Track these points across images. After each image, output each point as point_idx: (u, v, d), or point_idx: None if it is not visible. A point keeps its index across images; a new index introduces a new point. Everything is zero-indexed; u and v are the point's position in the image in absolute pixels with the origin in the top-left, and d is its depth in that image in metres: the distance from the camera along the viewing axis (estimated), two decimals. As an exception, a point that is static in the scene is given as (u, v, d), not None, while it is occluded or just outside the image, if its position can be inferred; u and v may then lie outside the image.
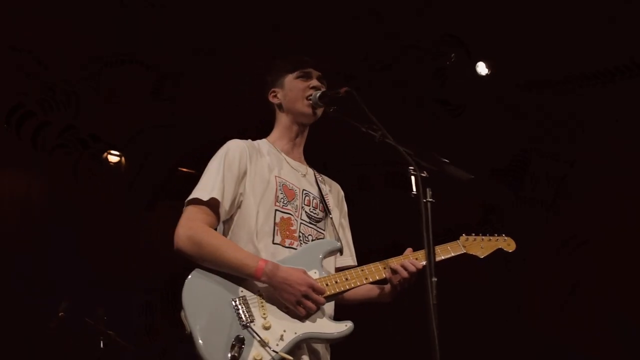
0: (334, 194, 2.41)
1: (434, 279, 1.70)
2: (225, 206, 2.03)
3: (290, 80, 2.30)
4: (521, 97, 5.85)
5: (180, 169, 6.09)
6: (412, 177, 1.81)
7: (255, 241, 2.03)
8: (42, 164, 5.96)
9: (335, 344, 2.12)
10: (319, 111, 2.26)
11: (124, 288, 5.23)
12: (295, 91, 2.27)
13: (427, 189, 1.78)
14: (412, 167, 1.82)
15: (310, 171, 2.35)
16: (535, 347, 5.95)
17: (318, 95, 2.22)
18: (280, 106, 2.33)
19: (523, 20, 5.01)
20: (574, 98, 5.67)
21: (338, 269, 2.24)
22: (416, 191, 1.79)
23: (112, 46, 5.42)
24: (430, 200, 1.76)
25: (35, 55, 5.40)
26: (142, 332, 5.22)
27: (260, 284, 1.96)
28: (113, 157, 6.25)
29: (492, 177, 6.63)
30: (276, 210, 2.10)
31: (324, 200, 2.27)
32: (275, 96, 2.35)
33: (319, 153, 2.78)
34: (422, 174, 1.81)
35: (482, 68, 5.63)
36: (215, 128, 6.33)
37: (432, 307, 1.69)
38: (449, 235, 2.37)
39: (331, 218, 2.26)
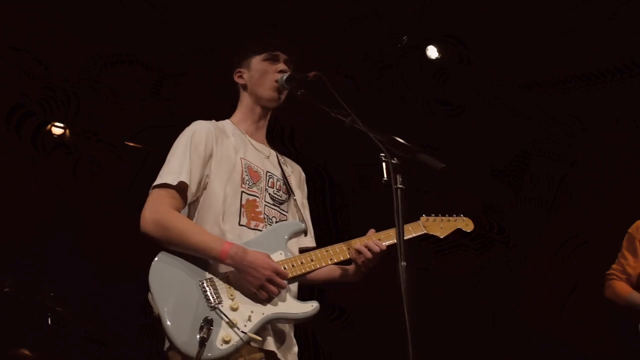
0: (296, 175, 2.41)
1: (403, 263, 1.68)
2: (192, 189, 2.03)
3: (257, 62, 2.31)
4: (521, 97, 5.85)
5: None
6: (384, 164, 1.80)
7: (221, 223, 2.03)
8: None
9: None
10: (283, 95, 2.25)
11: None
12: (261, 73, 2.27)
13: (398, 176, 1.76)
14: (383, 154, 1.82)
15: (273, 153, 2.35)
16: (535, 347, 5.95)
17: (285, 77, 2.21)
18: (245, 87, 2.33)
19: (523, 20, 5.01)
20: (574, 98, 5.67)
21: (301, 250, 2.24)
22: (387, 178, 1.78)
23: (112, 46, 5.42)
24: (400, 186, 1.75)
25: (35, 55, 5.40)
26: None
27: (226, 267, 1.97)
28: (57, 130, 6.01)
29: (492, 177, 6.64)
30: (242, 192, 2.10)
31: (287, 182, 2.27)
32: (240, 76, 2.36)
33: (319, 153, 2.79)
34: (393, 161, 1.78)
35: (432, 51, 5.60)
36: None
37: (404, 291, 1.65)
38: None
39: (294, 199, 2.27)
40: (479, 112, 6.04)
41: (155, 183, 2.04)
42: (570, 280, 5.94)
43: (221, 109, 2.51)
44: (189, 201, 2.06)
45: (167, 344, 1.91)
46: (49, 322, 3.99)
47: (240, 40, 5.23)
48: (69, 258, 5.41)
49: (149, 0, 4.94)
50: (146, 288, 1.91)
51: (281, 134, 2.59)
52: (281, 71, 2.25)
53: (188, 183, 2.01)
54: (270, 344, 1.97)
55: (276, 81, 2.23)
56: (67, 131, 6.20)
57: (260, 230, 2.09)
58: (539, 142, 6.24)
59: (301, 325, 2.17)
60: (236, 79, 2.37)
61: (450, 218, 2.44)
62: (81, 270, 5.37)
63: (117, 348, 4.86)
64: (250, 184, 2.14)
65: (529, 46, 5.27)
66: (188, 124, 2.31)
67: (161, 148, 2.33)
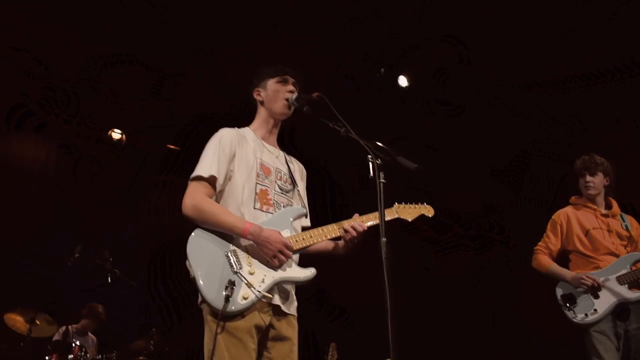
0: (299, 171, 2.97)
1: (384, 239, 2.18)
2: (220, 181, 2.58)
3: (272, 84, 2.86)
4: (521, 97, 5.86)
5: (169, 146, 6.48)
6: (370, 164, 2.33)
7: (241, 207, 2.59)
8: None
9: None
10: (292, 110, 2.82)
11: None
12: (274, 93, 2.83)
13: (380, 173, 2.29)
14: (370, 156, 2.36)
15: (282, 153, 2.92)
16: (535, 347, 5.95)
17: (295, 97, 2.77)
18: (262, 103, 2.88)
19: (523, 20, 5.01)
20: (574, 98, 5.67)
21: (302, 228, 2.80)
22: (373, 174, 2.31)
23: (112, 46, 5.43)
24: (382, 181, 2.29)
25: (35, 55, 5.41)
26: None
27: (246, 241, 2.52)
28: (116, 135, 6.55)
29: (492, 177, 6.64)
30: (257, 183, 2.67)
31: (292, 176, 2.86)
32: (258, 94, 2.89)
33: (320, 153, 2.83)
34: (378, 161, 2.33)
35: (402, 81, 5.79)
36: (215, 127, 6.36)
37: (384, 260, 2.13)
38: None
39: (297, 190, 2.86)
40: (479, 112, 6.04)
41: (192, 176, 2.58)
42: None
43: (221, 109, 2.61)
44: (217, 190, 2.59)
45: (199, 299, 2.43)
46: (109, 280, 5.00)
47: (240, 40, 5.26)
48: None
49: (149, 0, 4.94)
50: (184, 256, 2.41)
51: (281, 135, 2.92)
52: (290, 91, 2.81)
53: (217, 176, 2.56)
54: (277, 300, 2.51)
55: (287, 99, 2.78)
56: (124, 136, 6.52)
57: (271, 213, 2.66)
58: (539, 142, 6.24)
59: (301, 325, 2.64)
60: (255, 96, 2.89)
61: (417, 205, 2.97)
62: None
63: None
64: (263, 178, 2.70)
65: (529, 46, 5.27)
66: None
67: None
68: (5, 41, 5.19)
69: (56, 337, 5.13)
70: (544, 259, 4.00)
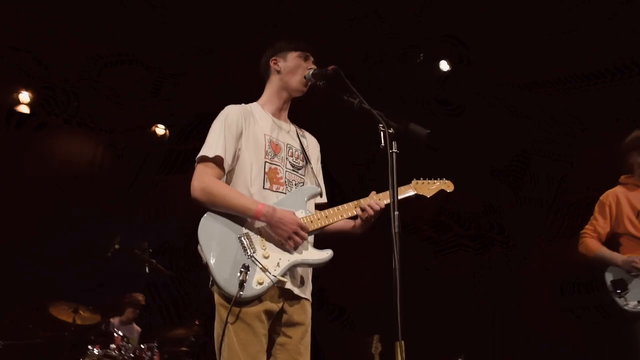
0: (312, 146, 2.84)
1: (397, 213, 2.07)
2: (227, 160, 2.47)
3: (293, 56, 2.74)
4: (521, 97, 5.86)
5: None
6: (382, 133, 2.22)
7: (249, 187, 2.48)
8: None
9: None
10: (307, 88, 2.72)
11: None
12: (295, 66, 2.72)
13: (393, 142, 2.19)
14: (381, 124, 2.24)
15: (293, 128, 2.78)
16: (535, 347, 5.95)
17: (311, 72, 2.66)
18: (278, 72, 2.74)
19: (523, 20, 5.01)
20: (574, 98, 5.67)
21: (317, 206, 2.70)
22: (384, 144, 2.20)
23: (112, 46, 5.43)
24: (395, 151, 2.18)
25: (35, 55, 5.40)
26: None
27: (259, 223, 2.41)
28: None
29: (492, 177, 6.64)
30: (265, 162, 2.55)
31: (305, 151, 2.73)
32: (275, 63, 2.75)
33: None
34: (390, 131, 2.22)
35: (444, 65, 5.72)
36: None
37: (395, 235, 2.03)
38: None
39: (311, 167, 2.73)
40: (479, 112, 6.04)
41: (198, 156, 2.47)
42: (570, 280, 5.95)
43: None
44: (226, 171, 2.49)
45: (210, 282, 2.35)
46: (147, 270, 5.07)
47: (240, 40, 5.26)
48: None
49: (149, 0, 4.94)
50: (196, 241, 2.32)
51: (291, 112, 2.87)
52: (310, 68, 2.71)
53: (223, 156, 2.44)
54: (289, 284, 2.40)
55: (304, 76, 2.68)
56: (167, 132, 6.60)
57: (283, 193, 2.55)
58: (539, 142, 6.24)
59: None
60: (272, 64, 2.76)
61: (436, 181, 2.85)
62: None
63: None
64: (272, 155, 2.58)
65: (529, 46, 5.27)
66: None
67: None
68: (5, 41, 5.19)
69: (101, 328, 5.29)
70: (592, 243, 3.70)
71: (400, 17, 5.15)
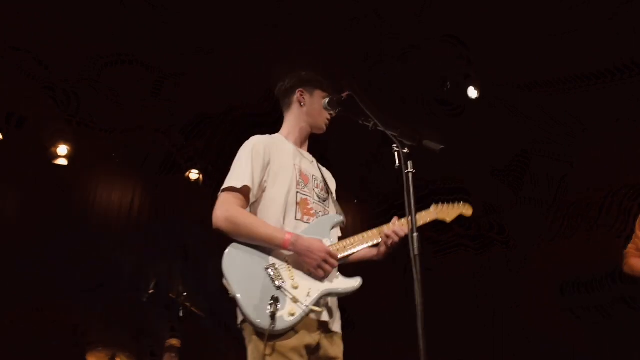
0: (330, 179, 2.85)
1: (415, 234, 2.02)
2: (254, 191, 2.43)
3: (320, 96, 2.73)
4: (521, 97, 5.85)
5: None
6: (396, 153, 2.19)
7: (281, 218, 2.42)
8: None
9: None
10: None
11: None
12: (320, 109, 2.71)
13: (408, 162, 2.15)
14: (395, 145, 2.20)
15: (314, 160, 2.79)
16: (535, 347, 5.95)
17: (327, 101, 2.64)
18: (301, 105, 2.73)
19: (523, 20, 5.01)
20: (574, 98, 5.67)
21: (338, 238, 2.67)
22: (399, 164, 2.16)
23: (112, 46, 5.42)
24: (411, 170, 2.14)
25: (35, 55, 5.40)
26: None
27: (286, 253, 2.35)
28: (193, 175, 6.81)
29: (492, 177, 6.64)
30: (297, 192, 2.52)
31: (326, 183, 2.72)
32: (302, 96, 2.73)
33: (321, 152, 2.83)
34: (404, 151, 2.18)
35: (472, 92, 5.76)
36: (214, 126, 6.36)
37: (414, 258, 1.98)
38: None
39: (332, 197, 2.72)
40: (479, 112, 6.04)
41: (224, 187, 2.43)
42: (570, 280, 5.95)
43: (221, 109, 2.59)
44: (251, 201, 2.45)
45: (240, 318, 2.29)
46: (180, 314, 4.98)
47: (240, 40, 5.26)
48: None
49: (149, 0, 4.94)
50: (221, 274, 2.26)
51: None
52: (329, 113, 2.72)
53: (250, 186, 2.41)
54: (325, 316, 2.37)
55: (324, 109, 2.67)
56: (201, 177, 6.68)
57: (309, 224, 2.50)
58: (539, 142, 6.24)
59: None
60: (298, 95, 2.74)
61: (454, 205, 2.93)
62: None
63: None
64: (303, 186, 2.57)
65: (529, 46, 5.26)
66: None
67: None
68: (5, 41, 5.18)
69: None
70: (636, 263, 3.60)
71: (400, 17, 5.14)
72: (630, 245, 3.73)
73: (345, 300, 2.50)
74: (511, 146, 6.37)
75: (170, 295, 4.98)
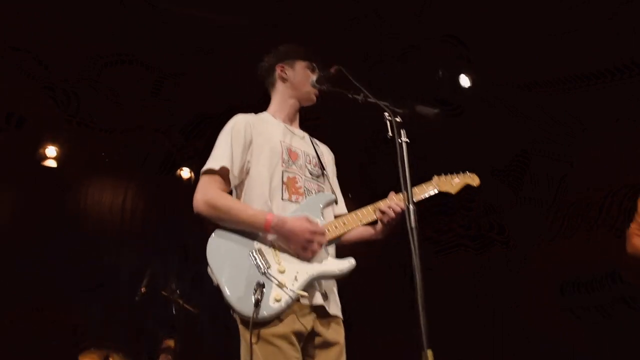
0: (326, 154, 2.73)
1: (412, 206, 1.93)
2: (234, 172, 2.31)
3: (301, 67, 2.64)
4: (521, 97, 5.85)
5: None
6: (387, 122, 2.09)
7: (267, 200, 2.31)
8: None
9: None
10: (316, 95, 2.63)
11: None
12: (303, 79, 2.61)
13: (402, 131, 2.06)
14: (386, 113, 2.11)
15: (306, 135, 2.68)
16: (535, 347, 5.95)
17: (315, 79, 2.57)
18: (284, 81, 2.64)
19: (523, 20, 5.01)
20: (574, 98, 5.67)
21: (335, 217, 2.53)
22: (391, 134, 2.06)
23: (112, 46, 5.42)
24: (405, 140, 2.04)
25: (35, 55, 5.40)
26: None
27: (272, 236, 2.24)
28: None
29: (492, 177, 6.63)
30: (283, 171, 2.39)
31: (320, 159, 2.59)
32: (283, 70, 2.65)
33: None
34: (396, 119, 2.09)
35: (464, 81, 5.74)
36: (214, 126, 6.36)
37: (411, 230, 1.89)
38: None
39: (327, 175, 2.59)
40: (479, 112, 6.04)
41: (202, 169, 2.34)
42: (570, 279, 5.95)
43: (221, 109, 2.59)
44: (233, 184, 2.34)
45: (226, 306, 2.18)
46: (174, 311, 4.91)
47: (240, 40, 5.26)
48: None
49: (149, 0, 4.94)
50: (205, 262, 2.20)
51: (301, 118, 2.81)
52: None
53: (229, 167, 2.30)
54: (318, 299, 2.24)
55: (313, 86, 2.59)
56: (192, 174, 6.72)
57: (299, 203, 2.38)
58: (539, 142, 6.23)
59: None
60: (279, 71, 2.65)
61: (459, 175, 2.73)
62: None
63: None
64: (290, 164, 2.43)
65: (529, 46, 5.26)
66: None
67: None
68: (5, 41, 5.18)
69: None
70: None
71: (400, 17, 5.14)
72: (632, 225, 3.64)
73: (345, 300, 2.44)
74: (511, 146, 6.37)
75: (163, 293, 4.95)
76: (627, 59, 5.22)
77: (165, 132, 6.40)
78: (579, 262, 5.86)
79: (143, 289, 4.84)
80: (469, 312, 6.47)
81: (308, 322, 2.20)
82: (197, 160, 6.61)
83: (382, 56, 5.60)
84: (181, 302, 4.94)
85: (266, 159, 2.38)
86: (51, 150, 6.26)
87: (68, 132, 6.23)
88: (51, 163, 6.27)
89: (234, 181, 2.33)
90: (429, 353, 1.90)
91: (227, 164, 2.30)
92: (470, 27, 5.17)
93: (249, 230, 2.25)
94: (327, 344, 2.26)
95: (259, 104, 2.70)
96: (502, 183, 6.65)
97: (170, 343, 5.47)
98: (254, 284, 2.10)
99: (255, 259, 2.18)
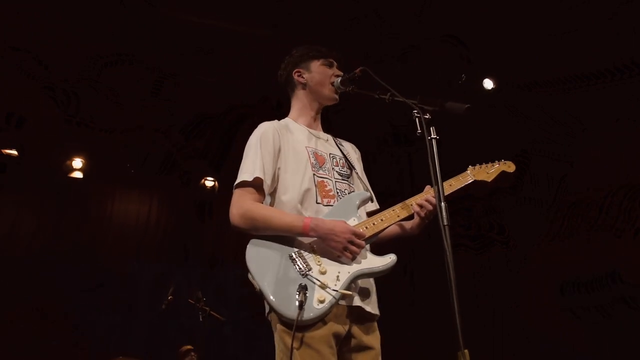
0: (352, 152, 2.71)
1: (444, 204, 1.95)
2: (267, 181, 2.32)
3: (317, 66, 2.61)
4: (521, 97, 5.85)
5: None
6: (417, 120, 2.10)
7: (298, 205, 2.31)
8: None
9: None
10: (338, 95, 2.60)
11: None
12: (322, 76, 2.58)
13: (431, 129, 2.06)
14: (415, 111, 2.11)
15: (330, 137, 2.67)
16: (535, 347, 5.95)
17: (339, 80, 2.54)
18: (304, 85, 2.61)
19: (523, 20, 5.01)
20: (574, 98, 5.67)
21: (368, 214, 2.52)
22: (420, 131, 2.07)
23: (112, 46, 5.42)
24: (434, 137, 2.05)
25: (35, 55, 5.40)
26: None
27: (309, 239, 2.24)
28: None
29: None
30: (313, 174, 2.39)
31: (347, 159, 2.59)
32: (300, 76, 2.62)
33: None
34: (425, 116, 2.09)
35: (488, 84, 5.74)
36: (214, 126, 6.36)
37: (444, 228, 1.92)
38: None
39: (356, 173, 2.59)
40: (479, 112, 6.04)
41: (236, 183, 2.33)
42: (570, 279, 5.95)
43: (221, 109, 2.57)
44: (267, 192, 2.34)
45: (267, 309, 2.20)
46: (200, 318, 4.92)
47: (240, 40, 5.26)
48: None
49: (149, 0, 4.94)
50: (246, 270, 2.19)
51: (324, 119, 2.77)
52: (337, 75, 2.59)
53: (262, 177, 2.30)
54: (357, 300, 2.23)
55: (332, 84, 2.56)
56: (216, 184, 6.88)
57: (333, 206, 2.38)
58: (539, 142, 6.24)
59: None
60: (296, 77, 2.63)
61: (494, 164, 2.71)
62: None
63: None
64: (318, 167, 2.44)
65: (529, 46, 5.27)
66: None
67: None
68: (5, 41, 5.19)
69: None
70: None
71: (400, 17, 5.14)
72: None
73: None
74: (511, 146, 6.37)
75: (190, 300, 4.98)
76: (627, 59, 5.23)
77: (165, 132, 6.41)
78: (579, 262, 5.86)
79: (170, 297, 4.87)
80: (469, 312, 6.47)
81: (346, 323, 2.19)
82: (197, 160, 6.62)
83: (382, 56, 5.60)
84: (208, 309, 4.95)
85: (294, 165, 2.39)
86: (77, 162, 6.39)
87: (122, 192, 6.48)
88: (66, 176, 6.38)
89: (267, 189, 2.33)
90: (466, 353, 1.94)
91: (259, 174, 2.30)
92: (470, 27, 5.17)
93: (286, 236, 2.25)
94: (362, 348, 2.24)
95: (259, 104, 2.69)
96: (502, 183, 6.65)
97: (189, 347, 5.50)
98: (297, 286, 2.09)
99: (296, 262, 2.18)
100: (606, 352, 5.48)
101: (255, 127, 2.50)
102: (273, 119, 2.57)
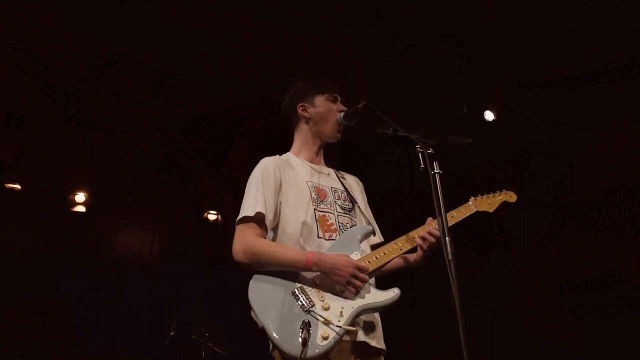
0: (354, 185, 2.72)
1: (448, 238, 1.95)
2: (269, 216, 2.33)
3: (321, 101, 2.61)
4: (521, 97, 5.85)
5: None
6: (420, 154, 2.12)
7: (300, 240, 2.32)
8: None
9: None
10: (341, 132, 2.61)
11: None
12: (327, 111, 2.59)
13: (434, 163, 2.08)
14: (418, 146, 2.13)
15: (332, 171, 2.68)
16: (535, 347, 5.95)
17: (342, 115, 2.56)
18: (307, 120, 2.62)
19: (523, 20, 5.01)
20: (574, 98, 5.67)
21: (372, 247, 2.51)
22: (424, 165, 2.09)
23: (112, 46, 5.42)
24: (437, 171, 2.06)
25: (35, 55, 5.40)
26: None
27: (312, 274, 2.23)
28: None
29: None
30: (314, 209, 2.40)
31: (349, 192, 2.60)
32: (305, 110, 2.62)
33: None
34: (429, 151, 2.10)
35: (489, 116, 5.75)
36: (214, 126, 6.36)
37: (449, 263, 1.92)
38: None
39: (358, 206, 2.58)
40: (479, 112, 6.04)
41: (238, 218, 2.35)
42: (570, 279, 5.95)
43: (221, 109, 2.57)
44: (269, 227, 2.35)
45: (271, 346, 2.18)
46: (203, 354, 4.83)
47: (240, 40, 5.26)
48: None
49: (149, 0, 4.94)
50: (248, 307, 2.19)
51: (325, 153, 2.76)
52: (340, 110, 2.60)
53: (264, 212, 2.32)
54: (361, 336, 2.22)
55: (337, 121, 2.57)
56: (219, 217, 6.73)
57: (335, 240, 2.38)
58: (539, 142, 6.23)
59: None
60: (300, 112, 2.63)
61: (495, 194, 2.72)
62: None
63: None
64: (319, 202, 2.45)
65: (529, 46, 5.26)
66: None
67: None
68: (5, 41, 5.19)
69: None
70: None
71: (400, 17, 5.14)
72: None
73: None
74: (511, 146, 6.37)
75: (193, 336, 4.89)
76: (627, 59, 5.23)
77: (165, 132, 6.41)
78: (579, 262, 5.86)
79: (172, 332, 4.84)
80: (469, 312, 6.47)
81: (350, 359, 2.19)
82: (197, 159, 6.62)
83: (382, 56, 5.61)
84: (211, 345, 4.87)
85: (296, 200, 2.40)
86: (81, 196, 6.33)
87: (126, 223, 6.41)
88: (69, 209, 6.31)
89: (270, 224, 2.35)
90: None
91: (261, 209, 2.32)
92: (470, 27, 5.17)
93: (289, 271, 2.25)
94: None
95: (259, 104, 2.69)
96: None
97: None
98: (300, 323, 2.08)
99: (299, 298, 2.18)
100: (606, 352, 5.48)
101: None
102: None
